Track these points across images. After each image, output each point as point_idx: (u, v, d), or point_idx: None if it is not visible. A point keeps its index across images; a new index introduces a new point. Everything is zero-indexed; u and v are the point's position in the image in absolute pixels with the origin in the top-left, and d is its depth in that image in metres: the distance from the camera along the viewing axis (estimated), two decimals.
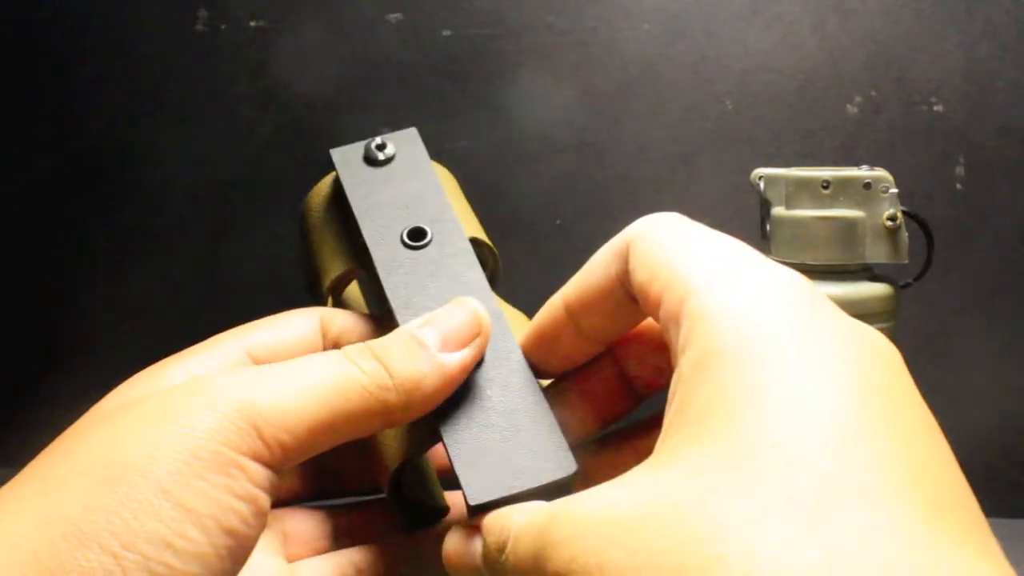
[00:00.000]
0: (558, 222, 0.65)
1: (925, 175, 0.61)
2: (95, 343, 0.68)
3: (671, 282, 0.21)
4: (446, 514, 0.31)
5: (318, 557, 0.29)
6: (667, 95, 0.63)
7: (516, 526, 0.21)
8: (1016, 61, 0.60)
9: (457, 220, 0.30)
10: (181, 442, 0.22)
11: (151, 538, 0.20)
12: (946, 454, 0.18)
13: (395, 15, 0.64)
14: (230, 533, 0.22)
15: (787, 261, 0.45)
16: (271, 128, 0.66)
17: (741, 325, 0.19)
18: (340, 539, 0.30)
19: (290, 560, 0.29)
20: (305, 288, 0.35)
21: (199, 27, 0.65)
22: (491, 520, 0.23)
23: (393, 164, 0.32)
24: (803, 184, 0.45)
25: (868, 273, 0.46)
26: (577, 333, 0.26)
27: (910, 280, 0.48)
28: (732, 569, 0.16)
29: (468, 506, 0.24)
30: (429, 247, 0.30)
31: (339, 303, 0.34)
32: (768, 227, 0.47)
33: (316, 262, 0.33)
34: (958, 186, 0.61)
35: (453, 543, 0.24)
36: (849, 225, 0.45)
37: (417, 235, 0.30)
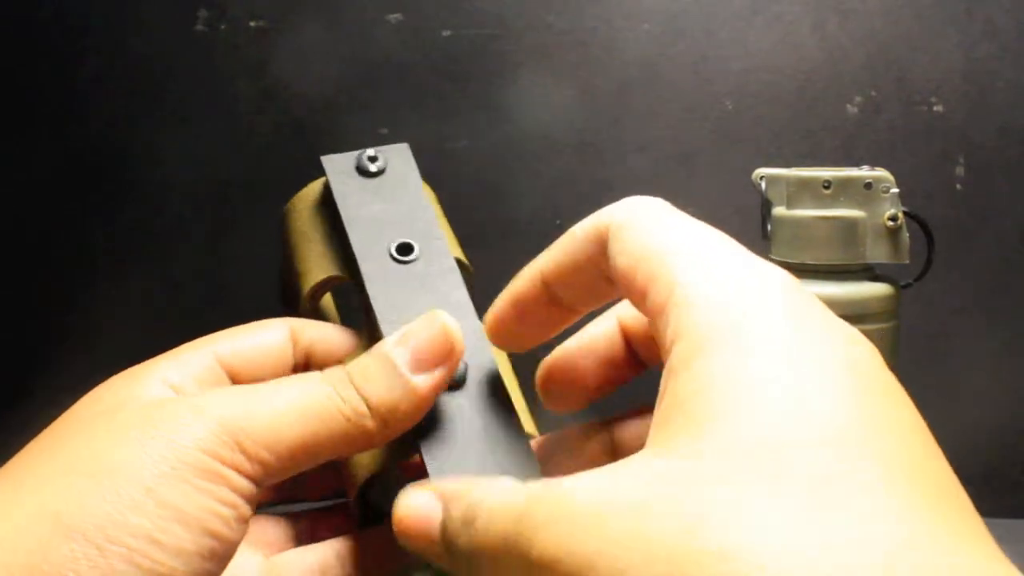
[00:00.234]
0: (558, 222, 0.65)
1: (925, 175, 0.61)
2: (95, 343, 0.68)
3: (656, 273, 0.21)
4: None
5: (295, 550, 0.29)
6: (667, 95, 0.63)
7: (491, 503, 0.20)
8: (1016, 61, 0.60)
9: (444, 238, 0.31)
10: (166, 447, 0.22)
11: (136, 532, 0.21)
12: (934, 447, 0.18)
13: (395, 15, 0.64)
14: (213, 535, 0.22)
15: (788, 261, 0.46)
16: (271, 128, 0.66)
17: (731, 317, 0.19)
18: (304, 543, 0.30)
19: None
20: (279, 298, 0.35)
21: (199, 27, 0.65)
22: (454, 490, 0.21)
23: (384, 177, 0.32)
24: (804, 184, 0.46)
25: (869, 273, 0.46)
26: (551, 302, 0.26)
27: (911, 280, 0.48)
28: (732, 560, 0.16)
29: None
30: (416, 262, 0.30)
31: (316, 310, 0.34)
32: (769, 227, 0.47)
33: (299, 266, 0.33)
34: (958, 186, 0.61)
35: (411, 505, 0.22)
36: (850, 225, 0.45)
37: (405, 250, 0.30)
